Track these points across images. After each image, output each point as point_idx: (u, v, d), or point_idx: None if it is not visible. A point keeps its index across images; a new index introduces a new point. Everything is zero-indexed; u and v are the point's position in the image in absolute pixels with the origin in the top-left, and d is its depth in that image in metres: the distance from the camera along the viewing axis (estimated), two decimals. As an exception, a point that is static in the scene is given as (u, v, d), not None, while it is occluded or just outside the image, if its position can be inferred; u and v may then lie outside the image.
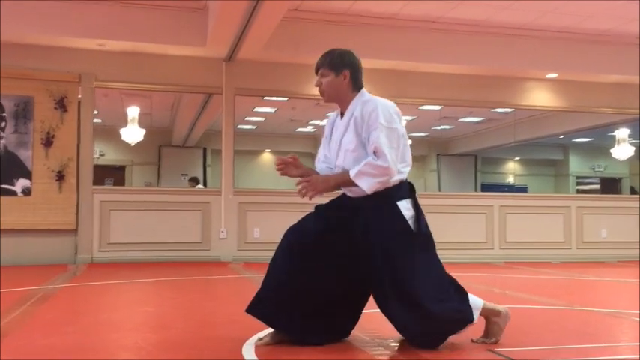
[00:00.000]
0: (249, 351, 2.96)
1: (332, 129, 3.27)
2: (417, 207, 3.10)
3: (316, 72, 3.21)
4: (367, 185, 2.98)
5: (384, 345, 3.13)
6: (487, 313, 3.16)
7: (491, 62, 9.00)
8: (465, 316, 3.06)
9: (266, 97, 10.23)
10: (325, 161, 3.30)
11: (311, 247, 3.08)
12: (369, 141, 3.00)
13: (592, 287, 6.56)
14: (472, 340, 3.15)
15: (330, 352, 2.96)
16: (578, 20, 8.47)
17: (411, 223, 3.04)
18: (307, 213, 3.24)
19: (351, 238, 3.08)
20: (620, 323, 4.04)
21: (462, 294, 3.10)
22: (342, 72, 3.13)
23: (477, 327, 3.15)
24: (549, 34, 8.90)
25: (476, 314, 3.09)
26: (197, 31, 7.95)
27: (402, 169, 3.09)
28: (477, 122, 13.45)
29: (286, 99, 10.30)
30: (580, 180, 16.38)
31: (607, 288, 6.52)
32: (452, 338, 3.09)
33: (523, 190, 15.83)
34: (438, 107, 10.76)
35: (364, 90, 3.19)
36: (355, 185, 3.01)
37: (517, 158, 16.83)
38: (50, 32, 7.71)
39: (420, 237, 3.05)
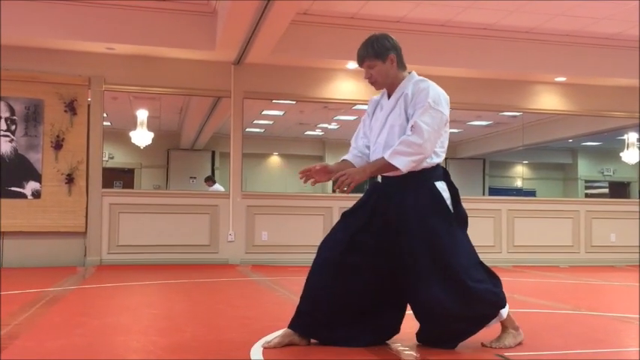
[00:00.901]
0: (257, 354, 2.98)
1: (375, 108, 3.28)
2: (453, 189, 3.13)
3: (361, 64, 3.19)
4: (402, 164, 2.97)
5: (393, 346, 3.13)
6: (508, 322, 3.17)
7: (499, 66, 9.00)
8: (499, 300, 3.07)
9: (274, 101, 10.26)
10: (364, 137, 3.31)
11: (344, 257, 3.08)
12: (413, 117, 3.01)
13: (600, 292, 6.54)
14: (482, 344, 3.15)
15: (339, 354, 2.97)
16: (587, 23, 8.45)
17: (448, 203, 3.07)
18: (336, 222, 3.27)
19: (386, 225, 3.07)
20: (627, 328, 4.03)
21: (495, 278, 3.12)
22: (389, 57, 3.15)
23: (487, 333, 3.15)
24: (558, 38, 8.89)
25: (506, 308, 3.12)
26: (206, 35, 7.99)
27: (439, 152, 3.10)
28: (485, 126, 13.43)
29: (294, 102, 10.32)
30: (589, 184, 16.30)
31: (615, 292, 6.50)
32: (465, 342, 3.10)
33: (531, 193, 15.77)
34: (446, 111, 10.75)
35: (414, 72, 3.20)
36: (391, 169, 3.01)
37: (525, 162, 16.76)
38: (60, 36, 7.76)
39: (458, 217, 3.08)
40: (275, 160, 15.82)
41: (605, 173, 16.03)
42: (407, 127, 3.02)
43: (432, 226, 3.00)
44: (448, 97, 3.13)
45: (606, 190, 16.32)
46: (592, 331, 3.86)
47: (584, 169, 16.12)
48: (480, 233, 9.25)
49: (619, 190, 16.02)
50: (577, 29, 8.67)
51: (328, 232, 3.28)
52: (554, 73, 9.27)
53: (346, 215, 3.23)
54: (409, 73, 3.21)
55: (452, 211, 3.08)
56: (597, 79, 9.43)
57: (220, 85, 8.66)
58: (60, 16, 7.65)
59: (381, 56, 3.14)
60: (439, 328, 3.06)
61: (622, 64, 9.10)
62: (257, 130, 14.25)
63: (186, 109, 12.24)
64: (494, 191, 14.89)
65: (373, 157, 3.20)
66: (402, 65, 3.20)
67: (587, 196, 15.84)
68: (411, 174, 3.04)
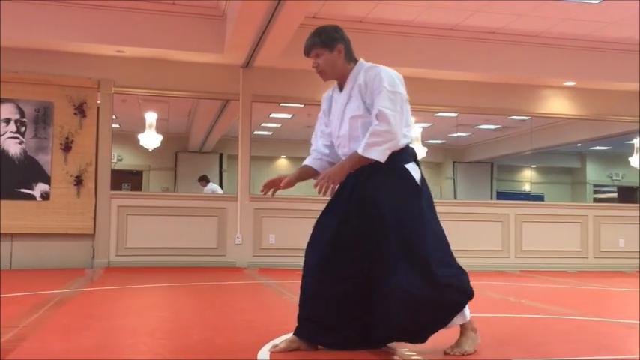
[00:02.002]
0: (265, 358, 2.98)
1: (330, 103, 3.29)
2: (420, 169, 3.14)
3: (307, 54, 3.20)
4: (378, 155, 2.97)
5: (398, 350, 3.13)
6: (468, 323, 3.12)
7: (507, 70, 8.98)
8: (466, 288, 3.04)
9: (282, 104, 10.27)
10: (322, 136, 3.32)
11: (331, 256, 3.07)
12: (373, 105, 3.01)
13: (608, 297, 6.52)
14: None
15: (346, 356, 2.97)
16: (596, 28, 8.43)
17: (419, 184, 3.07)
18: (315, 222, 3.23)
19: (363, 212, 3.05)
20: (635, 334, 4.00)
21: (462, 269, 3.10)
22: (336, 47, 3.15)
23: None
24: (567, 42, 8.86)
25: (467, 310, 3.08)
26: (215, 38, 8.01)
27: (406, 133, 3.09)
28: (494, 130, 13.40)
29: (302, 105, 10.32)
30: (597, 188, 16.23)
31: (623, 298, 6.47)
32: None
33: (539, 198, 15.70)
34: (454, 115, 10.73)
35: (362, 60, 3.21)
36: (368, 161, 3.01)
37: (534, 166, 16.69)
38: (70, 39, 7.80)
39: (426, 197, 3.08)
40: (282, 163, 15.83)
41: (614, 178, 15.96)
42: (372, 117, 3.01)
43: (403, 212, 2.99)
44: (401, 75, 3.12)
45: (615, 195, 16.25)
46: (600, 338, 3.85)
47: (593, 173, 16.05)
48: (488, 238, 9.25)
49: (628, 194, 15.94)
50: (586, 33, 8.65)
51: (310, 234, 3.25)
52: (562, 77, 9.25)
53: (324, 213, 3.22)
54: (357, 62, 3.20)
55: (422, 192, 3.07)
56: (606, 84, 9.40)
57: (229, 88, 8.69)
58: (70, 19, 7.70)
59: (328, 46, 3.14)
60: (405, 317, 2.94)
61: (631, 68, 9.06)
62: (265, 133, 14.27)
63: (194, 111, 12.28)
64: (502, 195, 14.84)
65: (340, 150, 3.20)
66: (350, 57, 3.20)
67: (595, 200, 15.78)
68: None
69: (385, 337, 3.09)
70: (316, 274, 3.09)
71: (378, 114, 2.98)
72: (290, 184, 3.25)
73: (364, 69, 3.14)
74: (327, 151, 3.32)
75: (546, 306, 5.23)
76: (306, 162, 3.35)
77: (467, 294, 3.06)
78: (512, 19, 8.15)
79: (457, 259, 3.12)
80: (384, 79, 3.03)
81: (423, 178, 3.13)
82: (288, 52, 8.05)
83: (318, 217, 3.25)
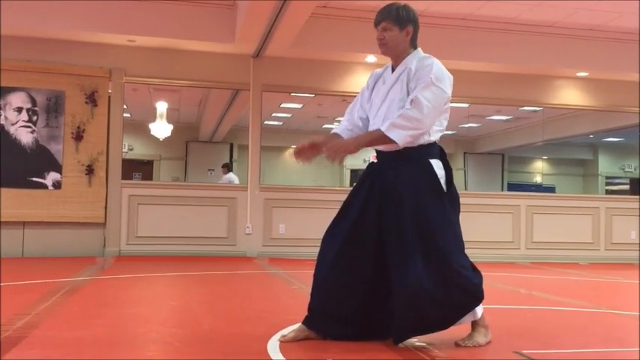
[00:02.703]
0: (274, 348, 2.98)
1: (376, 81, 3.24)
2: (448, 169, 3.08)
3: (377, 24, 3.12)
4: (399, 137, 2.92)
5: (407, 344, 3.12)
6: (480, 320, 3.11)
7: (520, 60, 8.92)
8: (478, 292, 3.01)
9: (293, 94, 10.26)
10: (360, 108, 3.25)
11: (347, 248, 3.05)
12: (414, 91, 2.96)
13: (620, 290, 6.48)
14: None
15: (354, 351, 2.96)
16: (609, 18, 8.34)
17: (442, 182, 3.03)
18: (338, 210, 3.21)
19: (382, 204, 3.01)
20: (648, 327, 3.98)
21: (477, 271, 3.07)
22: (406, 28, 3.11)
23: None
24: (580, 32, 8.78)
25: (481, 308, 3.06)
26: (226, 28, 7.99)
27: (437, 131, 3.06)
28: (505, 120, 13.33)
29: (313, 95, 10.31)
30: (609, 180, 16.14)
31: (635, 291, 6.43)
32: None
33: (551, 189, 15.65)
34: (465, 105, 10.68)
35: (420, 49, 3.17)
36: (386, 142, 2.96)
37: (545, 157, 16.64)
38: (82, 28, 7.81)
39: (451, 198, 3.03)
40: (293, 153, 15.83)
41: (627, 169, 15.86)
42: (407, 101, 2.98)
43: (424, 203, 2.96)
44: (452, 77, 3.08)
45: (627, 187, 16.15)
46: (613, 330, 3.83)
47: (605, 165, 15.97)
48: (499, 229, 9.22)
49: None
50: (600, 24, 8.56)
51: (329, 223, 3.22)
52: (575, 68, 9.17)
53: (345, 204, 3.18)
54: (416, 50, 3.17)
55: (445, 190, 3.03)
56: (619, 75, 9.31)
57: (239, 78, 8.67)
58: (81, 9, 7.69)
59: (400, 23, 3.09)
60: (414, 313, 2.92)
61: (642, 59, 8.98)
62: (275, 123, 14.28)
63: (205, 101, 12.30)
64: (513, 187, 14.79)
65: (371, 129, 3.14)
66: (414, 42, 3.16)
67: (607, 192, 15.69)
68: (407, 150, 3.00)
69: (394, 331, 3.07)
70: (331, 266, 3.08)
71: (413, 99, 2.94)
72: (317, 148, 3.12)
73: (419, 57, 3.10)
74: (360, 124, 3.25)
75: (558, 298, 5.21)
76: (337, 130, 3.26)
77: (477, 298, 3.03)
78: (526, 8, 8.07)
79: (467, 250, 3.10)
80: (433, 70, 2.99)
81: (450, 178, 3.07)
82: (299, 42, 8.03)
83: (341, 204, 3.19)
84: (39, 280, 5.52)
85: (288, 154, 15.83)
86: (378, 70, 3.31)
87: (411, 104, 2.94)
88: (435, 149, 3.10)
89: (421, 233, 2.93)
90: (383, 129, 2.96)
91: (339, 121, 12.09)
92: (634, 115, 10.08)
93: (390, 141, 2.95)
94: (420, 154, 3.03)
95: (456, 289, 2.94)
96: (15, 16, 7.47)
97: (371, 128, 3.16)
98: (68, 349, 2.95)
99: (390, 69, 3.21)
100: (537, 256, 9.20)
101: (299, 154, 3.17)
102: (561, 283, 6.69)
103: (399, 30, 3.10)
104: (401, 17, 3.10)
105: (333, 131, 3.29)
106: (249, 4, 6.71)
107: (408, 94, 3.01)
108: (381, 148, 3.10)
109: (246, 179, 8.79)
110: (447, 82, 3.04)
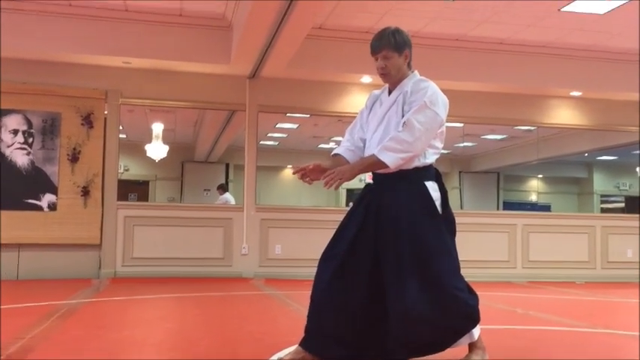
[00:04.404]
0: (270, 371, 2.96)
1: (374, 102, 3.25)
2: (443, 191, 3.09)
3: (377, 53, 3.13)
4: (390, 160, 2.93)
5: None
6: (477, 341, 3.10)
7: (514, 80, 8.99)
8: (474, 314, 2.99)
9: (288, 114, 10.29)
10: (361, 129, 3.26)
11: (343, 269, 3.03)
12: (407, 114, 2.98)
13: (617, 309, 6.47)
14: None
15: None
16: (603, 38, 8.42)
17: (437, 204, 3.03)
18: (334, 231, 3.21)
19: (378, 227, 3.01)
20: (645, 347, 3.97)
21: (473, 293, 3.05)
22: (404, 52, 3.13)
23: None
24: (573, 52, 8.86)
25: (478, 329, 3.06)
26: (222, 49, 8.04)
27: (432, 153, 3.08)
28: (500, 139, 13.39)
29: (308, 116, 10.34)
30: (604, 198, 16.19)
31: (632, 310, 6.42)
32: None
33: (546, 207, 15.68)
34: (460, 125, 10.74)
35: (417, 71, 3.19)
36: (381, 167, 2.98)
37: (540, 176, 16.69)
38: (78, 50, 7.85)
39: (446, 220, 3.04)
40: (289, 173, 15.83)
41: (621, 187, 15.92)
42: (399, 124, 3.00)
43: (419, 227, 2.95)
44: (447, 101, 3.10)
45: (622, 205, 16.19)
46: (609, 350, 3.82)
47: (600, 183, 16.02)
48: (495, 248, 9.22)
49: (635, 204, 15.88)
50: (593, 44, 8.64)
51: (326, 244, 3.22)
52: (568, 87, 9.24)
53: (341, 225, 3.18)
54: (412, 72, 3.20)
55: (440, 212, 3.04)
56: (612, 94, 9.38)
57: (235, 99, 8.70)
58: (78, 31, 7.74)
59: (398, 49, 3.11)
60: (410, 335, 2.90)
61: (637, 78, 9.03)
62: (271, 143, 14.31)
63: (201, 121, 12.32)
64: (509, 205, 14.82)
65: (367, 153, 3.15)
66: (410, 64, 3.19)
67: (602, 210, 15.72)
68: (403, 172, 3.01)
69: (391, 352, 3.06)
70: (327, 287, 3.07)
71: (406, 122, 2.95)
72: (323, 171, 3.07)
73: (415, 80, 3.12)
74: (361, 144, 3.25)
75: (555, 318, 5.20)
76: (339, 151, 3.26)
77: (473, 319, 3.01)
78: (519, 29, 8.15)
79: (463, 270, 3.10)
80: (428, 94, 3.00)
81: (445, 200, 3.08)
82: (295, 63, 8.09)
83: (337, 225, 3.19)
84: (34, 303, 5.48)
85: (285, 173, 15.86)
86: (376, 92, 3.33)
87: (403, 127, 2.96)
88: (430, 171, 3.11)
89: (417, 255, 2.93)
90: (375, 152, 2.98)
91: (334, 141, 12.18)
92: (627, 133, 10.14)
93: (384, 165, 2.97)
94: (416, 176, 3.04)
95: (452, 312, 2.93)
96: (11, 39, 7.50)
97: (367, 151, 3.18)
98: (64, 373, 2.93)
99: (387, 91, 3.23)
100: (534, 275, 9.19)
101: (302, 176, 3.17)
102: (558, 302, 6.68)
103: (398, 56, 3.12)
104: (398, 43, 3.12)
105: (334, 152, 3.30)
106: (245, 26, 6.76)
107: (403, 116, 3.03)
108: (377, 169, 3.11)
109: (242, 199, 8.78)
110: (441, 106, 3.05)
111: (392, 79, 3.17)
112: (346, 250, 3.06)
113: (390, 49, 3.11)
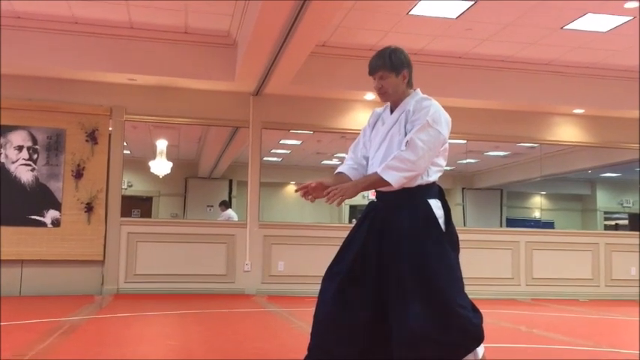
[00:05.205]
0: (273, 389, 2.95)
1: (377, 120, 3.26)
2: (446, 208, 3.09)
3: (373, 73, 3.15)
4: (393, 179, 2.94)
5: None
6: None
7: (517, 97, 9.01)
8: (477, 332, 2.97)
9: (292, 130, 10.32)
10: (364, 147, 3.26)
11: (346, 287, 3.03)
12: (410, 133, 2.98)
13: (621, 327, 6.44)
14: None
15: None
16: (605, 56, 8.46)
17: (441, 222, 3.03)
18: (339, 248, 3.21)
19: (381, 245, 3.02)
20: (650, 366, 3.96)
21: (477, 311, 3.04)
22: (402, 72, 3.13)
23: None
24: (577, 70, 8.90)
25: (482, 348, 3.04)
26: (226, 66, 8.09)
27: (435, 172, 3.08)
28: (503, 156, 13.40)
29: (312, 132, 10.37)
30: (608, 215, 16.16)
31: (636, 328, 6.39)
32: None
33: (550, 224, 15.64)
34: (463, 142, 10.75)
35: (419, 90, 3.20)
36: (384, 184, 2.98)
37: (543, 192, 16.67)
38: (83, 67, 7.90)
39: (449, 237, 3.03)
40: (292, 189, 15.85)
41: (625, 205, 15.89)
42: (402, 143, 3.01)
43: (423, 244, 2.95)
44: (450, 118, 3.11)
45: (626, 222, 16.15)
46: (614, 369, 3.80)
47: (603, 200, 15.99)
48: (498, 265, 9.19)
49: (639, 222, 15.84)
50: (596, 61, 8.68)
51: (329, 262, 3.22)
52: (571, 104, 9.26)
53: (345, 243, 3.18)
54: (414, 90, 3.22)
55: (444, 230, 3.04)
56: (616, 111, 9.40)
57: (239, 116, 8.74)
58: (82, 48, 7.79)
59: (395, 69, 3.12)
60: (413, 354, 2.87)
61: (638, 95, 9.06)
62: (274, 159, 14.33)
63: (204, 138, 12.36)
64: (512, 222, 14.79)
65: (370, 171, 3.15)
66: (410, 83, 3.20)
67: (606, 227, 15.68)
68: (406, 190, 3.01)
69: None
70: (331, 305, 3.06)
71: (409, 141, 2.96)
72: (323, 188, 3.05)
73: (417, 98, 3.13)
74: (364, 162, 3.26)
75: (558, 336, 5.17)
76: (342, 169, 3.27)
77: (477, 338, 2.99)
78: (522, 47, 8.19)
79: (467, 287, 3.09)
80: (430, 113, 3.01)
81: (449, 218, 3.07)
82: (299, 80, 8.13)
83: (341, 241, 3.20)
84: (36, 320, 5.48)
85: (287, 190, 15.87)
86: (378, 110, 3.34)
87: (406, 146, 2.97)
88: (434, 189, 3.12)
89: (420, 274, 2.93)
90: (378, 171, 2.98)
91: (338, 158, 12.18)
92: (631, 151, 10.15)
93: (387, 183, 2.98)
94: (419, 194, 3.05)
95: (456, 330, 2.92)
96: (17, 56, 7.56)
97: (370, 169, 3.19)
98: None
99: (389, 110, 3.24)
100: (538, 292, 9.15)
101: (305, 193, 3.17)
102: (562, 320, 6.65)
103: (395, 76, 3.14)
104: (395, 63, 3.13)
105: (337, 170, 3.30)
106: (249, 43, 6.80)
107: (405, 135, 3.04)
108: (379, 189, 3.12)
109: (245, 216, 8.79)
110: (444, 124, 3.06)
111: (390, 98, 3.19)
112: (350, 268, 3.06)
113: (387, 70, 3.12)
